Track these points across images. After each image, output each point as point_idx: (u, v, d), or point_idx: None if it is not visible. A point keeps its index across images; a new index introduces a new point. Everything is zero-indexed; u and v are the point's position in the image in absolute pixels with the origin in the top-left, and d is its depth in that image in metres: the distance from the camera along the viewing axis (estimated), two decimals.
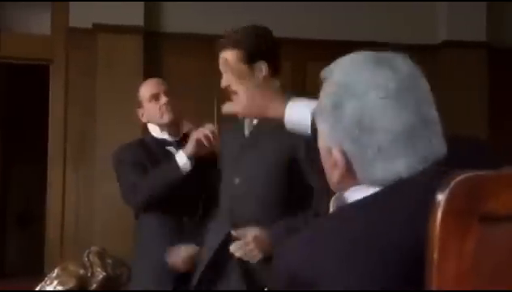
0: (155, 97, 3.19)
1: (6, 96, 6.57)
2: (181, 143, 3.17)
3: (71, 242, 5.16)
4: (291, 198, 2.52)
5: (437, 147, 1.24)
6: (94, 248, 2.51)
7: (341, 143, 1.25)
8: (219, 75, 5.48)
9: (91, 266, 2.45)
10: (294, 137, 2.15)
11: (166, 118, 3.16)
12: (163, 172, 2.99)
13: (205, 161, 3.02)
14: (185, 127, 3.25)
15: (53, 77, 5.26)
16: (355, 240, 1.10)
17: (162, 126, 3.18)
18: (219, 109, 5.48)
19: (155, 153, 3.14)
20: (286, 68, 5.60)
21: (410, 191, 1.16)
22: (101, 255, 2.49)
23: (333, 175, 1.28)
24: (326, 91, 1.32)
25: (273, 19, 5.63)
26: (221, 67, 2.64)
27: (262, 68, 2.54)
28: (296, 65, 5.64)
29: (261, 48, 2.58)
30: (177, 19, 5.45)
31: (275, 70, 2.59)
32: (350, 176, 1.25)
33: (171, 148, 3.18)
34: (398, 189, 1.17)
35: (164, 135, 3.19)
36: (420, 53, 5.84)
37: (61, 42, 5.26)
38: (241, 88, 2.31)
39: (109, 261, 2.50)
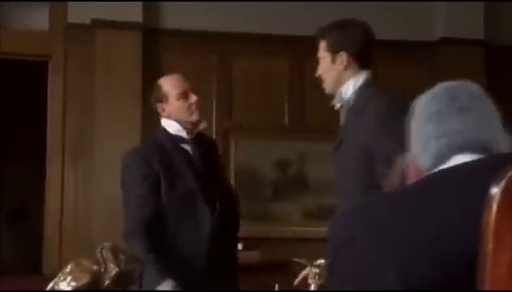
0: (184, 95, 3.17)
1: (4, 92, 6.53)
2: (195, 141, 3.18)
3: (70, 239, 5.14)
4: None
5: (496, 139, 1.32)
6: (107, 244, 2.51)
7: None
8: (217, 71, 5.52)
9: (105, 262, 2.44)
10: None
11: (195, 117, 3.17)
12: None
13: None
14: (201, 126, 3.27)
15: (51, 73, 5.23)
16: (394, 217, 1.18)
17: (185, 124, 3.17)
18: (217, 105, 5.51)
19: (168, 151, 3.12)
20: (283, 65, 5.67)
21: (465, 178, 1.21)
22: (114, 251, 2.49)
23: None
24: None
25: (270, 16, 5.68)
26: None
27: (343, 58, 2.68)
28: (293, 62, 5.65)
29: (341, 39, 2.72)
30: (175, 16, 5.43)
31: (360, 61, 2.71)
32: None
33: (185, 146, 3.17)
34: (454, 175, 1.23)
35: (182, 133, 3.18)
36: (418, 49, 5.90)
37: (60, 38, 5.23)
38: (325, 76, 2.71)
39: (122, 257, 2.50)
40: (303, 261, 2.75)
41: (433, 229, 1.14)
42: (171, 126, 3.18)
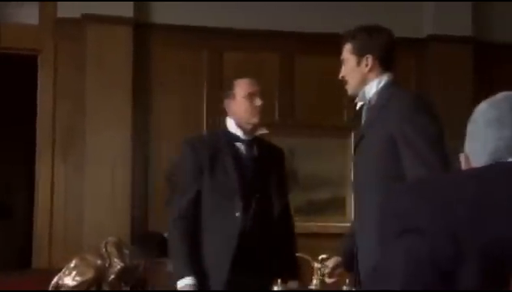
0: (251, 96, 3.25)
1: None
2: (251, 143, 3.28)
3: (60, 235, 5.12)
4: None
5: None
6: (111, 239, 2.51)
7: (465, 148, 1.48)
8: (208, 66, 5.51)
9: (109, 257, 2.44)
10: None
11: (255, 120, 3.25)
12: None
13: None
14: (260, 131, 3.34)
15: (41, 68, 5.20)
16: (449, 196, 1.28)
17: (245, 124, 3.25)
18: (208, 100, 5.50)
19: (220, 147, 3.23)
20: (274, 61, 5.67)
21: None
22: (118, 246, 2.49)
23: None
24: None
25: (262, 12, 5.68)
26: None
27: (369, 61, 2.79)
28: (284, 58, 5.66)
29: (367, 42, 2.82)
30: (166, 11, 5.42)
31: (384, 64, 2.83)
32: None
33: (240, 146, 3.26)
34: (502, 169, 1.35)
35: (239, 132, 3.26)
36: (406, 46, 5.90)
37: (50, 33, 5.20)
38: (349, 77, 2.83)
39: (126, 252, 2.49)
40: (306, 256, 2.77)
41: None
42: (231, 123, 3.29)
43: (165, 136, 5.32)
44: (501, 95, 1.47)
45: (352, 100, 2.91)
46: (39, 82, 5.20)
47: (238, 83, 3.34)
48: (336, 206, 5.55)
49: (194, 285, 2.97)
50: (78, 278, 2.43)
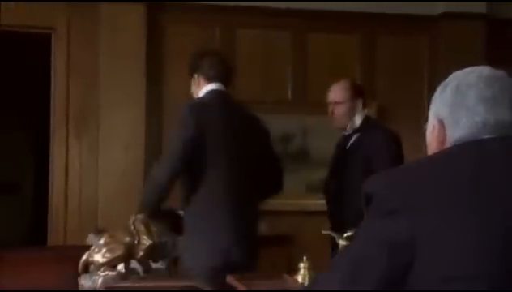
0: None
1: (7, 64, 6.47)
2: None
3: (75, 211, 5.14)
4: None
5: None
6: (140, 216, 2.53)
7: (439, 112, 1.53)
8: (220, 44, 5.50)
9: (138, 234, 2.46)
10: None
11: None
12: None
13: None
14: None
15: (55, 45, 5.19)
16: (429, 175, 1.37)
17: None
18: None
19: None
20: (286, 38, 5.66)
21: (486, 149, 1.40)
22: (147, 224, 2.50)
23: (432, 145, 1.54)
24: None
25: None
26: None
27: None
28: (296, 35, 5.65)
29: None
30: None
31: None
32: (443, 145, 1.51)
33: None
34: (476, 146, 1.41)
35: None
36: (419, 24, 5.87)
37: (64, 10, 5.18)
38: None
39: (154, 229, 2.52)
40: (332, 233, 2.79)
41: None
42: None
43: (179, 113, 5.31)
44: (490, 71, 1.55)
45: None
46: (52, 60, 5.19)
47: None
48: None
49: None
50: (108, 255, 2.45)
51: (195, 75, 3.58)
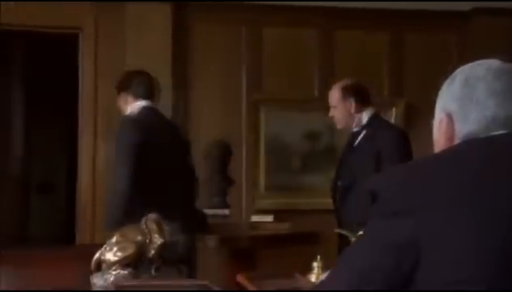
0: None
1: (35, 65, 6.56)
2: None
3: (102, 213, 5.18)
4: None
5: None
6: (151, 215, 2.53)
7: (447, 106, 1.48)
8: (247, 43, 5.49)
9: (150, 233, 2.46)
10: None
11: None
12: None
13: None
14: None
15: (82, 45, 5.24)
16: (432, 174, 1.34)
17: None
18: (247, 76, 5.50)
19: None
20: (313, 36, 5.63)
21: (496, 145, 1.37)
22: (158, 222, 2.50)
23: (440, 141, 1.49)
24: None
25: None
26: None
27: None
28: (323, 33, 5.62)
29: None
30: None
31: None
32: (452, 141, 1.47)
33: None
34: (485, 143, 1.38)
35: None
36: (447, 20, 5.77)
37: (90, 10, 5.23)
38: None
39: (166, 228, 2.51)
40: (345, 232, 2.75)
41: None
42: None
43: (205, 113, 5.35)
44: (499, 64, 1.50)
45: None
46: (80, 61, 5.25)
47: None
48: None
49: None
50: (119, 254, 2.46)
51: (123, 93, 3.94)
